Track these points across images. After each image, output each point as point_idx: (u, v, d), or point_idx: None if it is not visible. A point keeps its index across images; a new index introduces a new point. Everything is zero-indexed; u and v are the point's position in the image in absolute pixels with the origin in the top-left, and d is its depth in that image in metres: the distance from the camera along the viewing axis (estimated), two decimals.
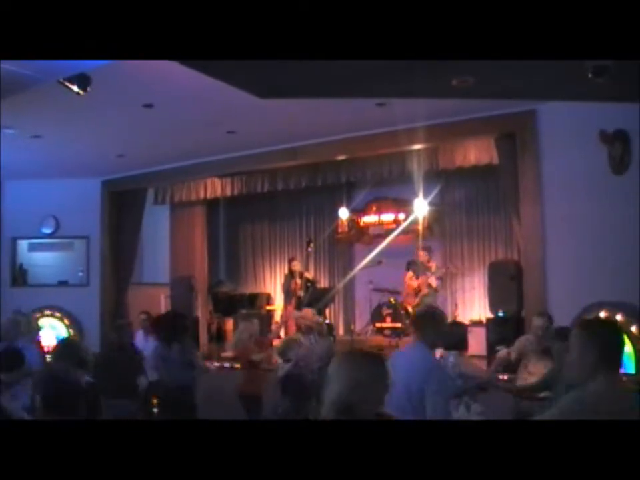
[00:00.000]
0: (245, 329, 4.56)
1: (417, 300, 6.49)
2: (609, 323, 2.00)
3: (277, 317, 7.68)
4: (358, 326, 7.66)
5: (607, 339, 1.42)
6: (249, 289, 8.56)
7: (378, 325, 7.10)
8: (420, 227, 7.21)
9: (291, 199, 8.27)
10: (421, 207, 7.02)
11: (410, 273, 6.87)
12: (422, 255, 6.44)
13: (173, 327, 3.89)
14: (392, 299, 7.15)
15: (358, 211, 7.86)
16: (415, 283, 6.70)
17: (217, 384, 4.72)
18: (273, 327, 6.94)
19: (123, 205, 7.33)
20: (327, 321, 6.74)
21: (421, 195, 6.86)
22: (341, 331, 7.91)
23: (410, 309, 7.02)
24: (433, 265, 6.44)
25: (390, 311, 7.07)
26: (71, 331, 6.89)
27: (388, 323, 7.04)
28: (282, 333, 6.72)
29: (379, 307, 7.13)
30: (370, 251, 7.35)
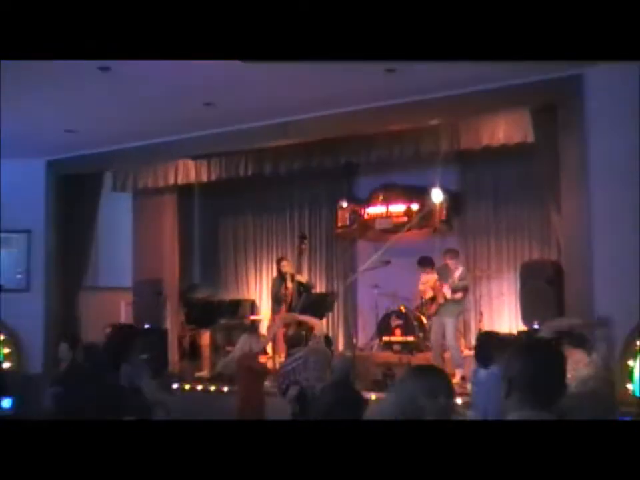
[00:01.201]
0: (246, 343, 4.56)
1: (434, 308, 6.37)
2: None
3: (264, 328, 7.61)
4: (361, 339, 7.68)
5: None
6: (230, 295, 8.57)
7: (386, 338, 7.11)
8: (437, 221, 7.22)
9: (281, 185, 8.28)
10: (438, 196, 7.01)
11: (426, 276, 6.84)
12: (450, 262, 6.28)
13: (119, 344, 3.79)
14: (402, 307, 7.20)
15: (361, 201, 7.85)
16: (430, 289, 6.63)
17: (192, 409, 4.75)
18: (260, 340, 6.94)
19: (73, 192, 7.20)
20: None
21: (437, 181, 6.88)
22: (340, 345, 7.93)
23: (425, 320, 7.14)
24: (457, 271, 6.28)
25: (400, 321, 7.09)
26: (4, 349, 6.56)
27: (398, 336, 7.06)
28: (269, 349, 6.64)
29: (387, 316, 7.16)
30: (376, 249, 7.30)
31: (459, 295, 6.18)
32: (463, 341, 6.97)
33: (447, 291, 6.17)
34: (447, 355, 6.23)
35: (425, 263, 6.84)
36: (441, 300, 6.21)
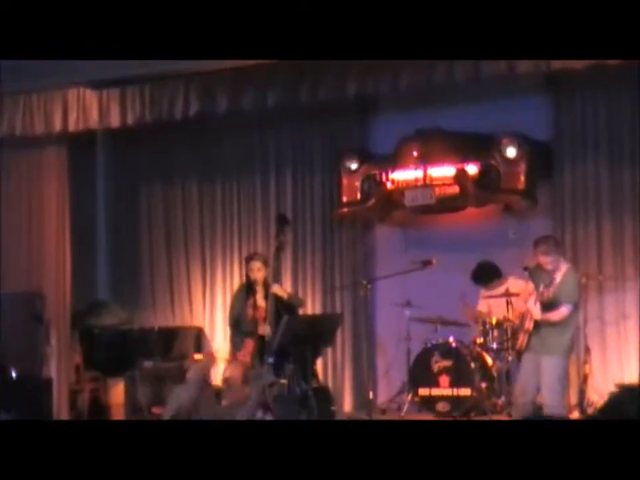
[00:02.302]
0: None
1: (520, 339, 6.08)
2: None
3: (217, 377, 7.54)
4: (383, 393, 7.87)
5: None
6: (159, 321, 8.66)
7: (424, 391, 7.16)
8: (510, 192, 7.32)
9: (246, 133, 8.47)
10: (513, 151, 7.08)
11: (492, 289, 7.09)
12: (545, 259, 5.94)
13: None
14: (452, 340, 7.22)
15: (383, 159, 7.85)
16: (518, 309, 6.37)
17: None
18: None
19: None
20: (319, 384, 6.57)
21: (512, 125, 7.08)
22: (347, 403, 8.03)
23: (490, 361, 7.17)
24: (558, 273, 5.95)
25: (448, 362, 7.14)
26: None
27: (444, 388, 7.11)
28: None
29: (426, 354, 7.20)
30: (407, 241, 7.61)
31: (562, 314, 5.89)
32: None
33: (533, 308, 5.88)
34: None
35: (484, 276, 7.08)
36: (528, 324, 5.96)
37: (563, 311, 5.86)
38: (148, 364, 7.72)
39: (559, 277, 5.91)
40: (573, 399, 7.02)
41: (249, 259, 6.76)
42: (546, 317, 5.86)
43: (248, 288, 6.60)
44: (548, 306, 5.87)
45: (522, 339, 6.02)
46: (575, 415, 6.70)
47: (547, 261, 5.90)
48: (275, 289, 6.40)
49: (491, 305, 7.20)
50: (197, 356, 8.12)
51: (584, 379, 6.87)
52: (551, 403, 5.80)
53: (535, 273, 6.01)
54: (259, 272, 6.53)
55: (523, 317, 6.08)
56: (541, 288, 5.82)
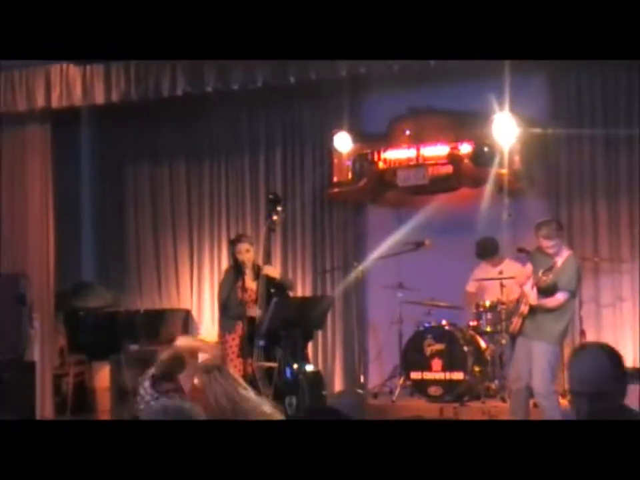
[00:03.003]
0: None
1: (514, 322, 6.12)
2: None
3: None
4: (374, 376, 7.90)
5: None
6: (145, 303, 8.70)
7: (416, 374, 7.20)
8: (506, 172, 7.25)
9: (235, 111, 8.47)
10: (508, 128, 7.04)
11: (486, 269, 7.12)
12: (547, 242, 5.90)
13: None
14: (445, 323, 7.27)
15: (375, 138, 7.89)
16: (512, 292, 6.53)
17: None
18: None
19: None
20: (310, 367, 6.56)
21: (506, 102, 6.96)
22: (338, 386, 8.04)
23: (483, 344, 7.18)
24: (559, 258, 5.91)
25: (441, 346, 7.17)
26: None
27: (437, 372, 7.14)
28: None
29: (419, 337, 7.22)
30: (400, 222, 7.53)
31: (558, 301, 5.88)
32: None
33: (530, 293, 5.87)
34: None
35: (489, 249, 7.02)
36: (524, 308, 5.96)
37: (559, 298, 5.81)
38: (134, 347, 7.74)
39: (559, 263, 5.82)
40: (567, 383, 6.89)
41: (236, 241, 6.69)
42: (542, 303, 5.81)
43: (236, 270, 6.53)
44: (545, 291, 5.82)
45: (516, 323, 6.01)
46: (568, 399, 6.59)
47: (548, 245, 5.82)
48: (266, 270, 6.39)
49: (484, 287, 7.25)
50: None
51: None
52: (541, 390, 5.82)
53: (534, 257, 5.96)
54: (247, 253, 6.49)
55: (518, 300, 6.12)
56: (540, 273, 5.73)
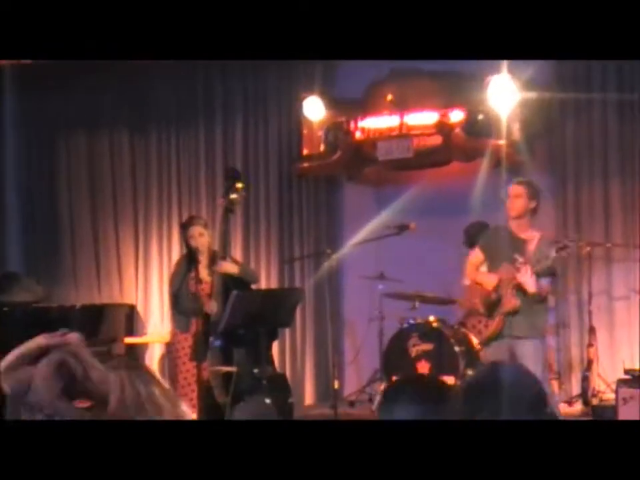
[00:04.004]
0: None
1: (496, 322, 5.99)
2: None
3: (154, 364, 7.81)
4: (350, 383, 8.00)
5: None
6: (82, 297, 8.72)
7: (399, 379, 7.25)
8: (502, 144, 7.27)
9: (188, 75, 8.44)
10: (505, 94, 7.07)
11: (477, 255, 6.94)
12: (517, 208, 5.86)
13: None
14: (434, 319, 7.25)
15: (349, 105, 7.92)
16: (491, 280, 6.28)
17: None
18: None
19: None
20: (275, 371, 6.61)
21: (504, 63, 6.97)
22: (309, 395, 8.17)
23: (476, 343, 7.05)
24: (534, 236, 5.96)
25: (428, 346, 7.18)
26: None
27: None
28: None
29: (402, 336, 7.23)
30: (380, 202, 7.63)
31: (547, 286, 5.92)
32: (556, 388, 7.16)
33: (527, 280, 5.70)
34: None
35: (475, 234, 6.82)
36: (512, 301, 5.80)
37: (545, 284, 5.79)
38: None
39: (532, 243, 5.80)
40: (575, 388, 7.07)
41: (187, 224, 6.67)
42: (539, 291, 5.73)
43: (189, 258, 6.50)
44: (544, 275, 5.77)
45: (497, 324, 5.88)
46: (577, 407, 6.82)
47: (524, 223, 5.79)
48: (223, 267, 6.31)
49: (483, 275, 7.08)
50: (129, 340, 8.17)
51: (588, 365, 6.90)
52: None
53: (492, 236, 6.00)
54: (200, 238, 6.43)
55: (499, 297, 5.92)
56: (518, 258, 5.67)
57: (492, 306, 5.96)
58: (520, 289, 5.72)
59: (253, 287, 6.77)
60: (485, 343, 6.13)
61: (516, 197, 5.79)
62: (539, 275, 5.70)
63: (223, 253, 6.36)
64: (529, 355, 5.72)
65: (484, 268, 6.16)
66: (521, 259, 5.70)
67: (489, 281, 5.98)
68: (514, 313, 5.77)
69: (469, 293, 7.03)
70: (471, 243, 7.03)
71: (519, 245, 5.80)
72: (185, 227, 6.67)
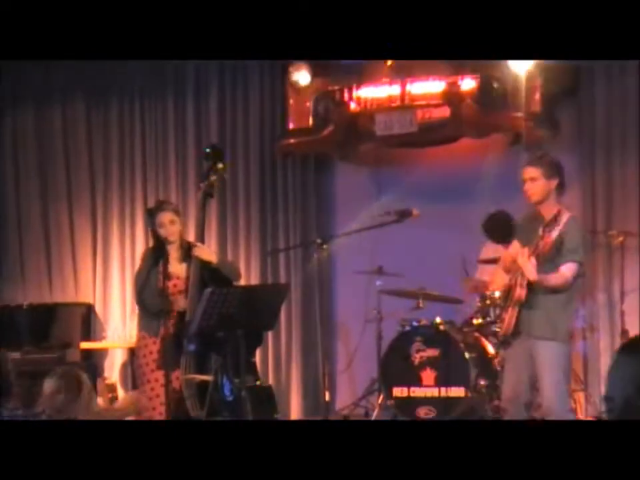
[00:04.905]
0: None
1: (509, 314, 5.88)
2: None
3: (115, 373, 7.86)
4: (343, 395, 8.13)
5: None
6: (31, 296, 8.86)
7: (399, 391, 7.24)
8: (522, 116, 7.30)
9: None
10: (524, 60, 7.02)
11: (494, 248, 7.03)
12: (536, 193, 5.80)
13: None
14: (439, 321, 7.31)
15: (343, 71, 7.92)
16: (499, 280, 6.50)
17: None
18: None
19: None
20: (257, 381, 6.42)
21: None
22: (295, 409, 8.28)
23: (490, 348, 7.15)
24: (564, 215, 5.81)
25: (434, 351, 7.21)
26: None
27: (428, 387, 7.19)
28: None
29: (403, 340, 7.31)
30: (379, 183, 7.63)
31: (565, 276, 5.76)
32: (582, 401, 7.26)
33: (527, 265, 5.63)
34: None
35: (497, 228, 6.81)
36: (520, 292, 5.76)
37: (566, 272, 5.62)
38: (15, 355, 7.82)
39: (559, 225, 5.66)
40: (593, 406, 7.06)
41: (156, 209, 6.51)
42: (545, 279, 5.61)
43: (157, 250, 6.42)
44: (549, 260, 5.64)
45: (510, 319, 5.77)
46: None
47: (548, 208, 5.67)
48: (199, 250, 6.23)
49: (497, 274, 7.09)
50: (85, 344, 8.15)
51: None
52: (555, 406, 5.67)
53: (522, 228, 5.91)
54: (171, 226, 6.30)
55: (510, 288, 5.86)
56: (540, 231, 5.58)
57: (506, 295, 5.90)
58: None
59: (234, 283, 6.61)
60: (503, 340, 5.98)
61: (532, 180, 5.71)
62: (542, 257, 5.57)
63: (199, 238, 6.33)
64: (548, 359, 5.65)
65: None
66: (546, 234, 5.59)
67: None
68: (522, 305, 5.65)
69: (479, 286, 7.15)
70: (492, 237, 6.98)
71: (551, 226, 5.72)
72: (152, 214, 6.53)
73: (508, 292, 5.91)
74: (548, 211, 5.71)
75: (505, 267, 6.08)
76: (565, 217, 5.72)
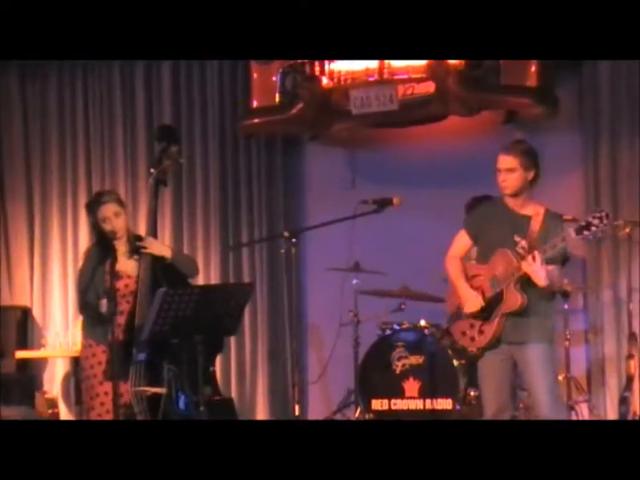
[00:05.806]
0: None
1: (495, 324, 5.91)
2: None
3: (56, 385, 7.91)
4: (316, 408, 8.24)
5: None
6: None
7: (379, 403, 7.37)
8: (514, 93, 7.36)
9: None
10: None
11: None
12: (511, 185, 5.86)
13: None
14: (425, 324, 7.36)
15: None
16: (483, 271, 6.34)
17: None
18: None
19: None
20: (217, 394, 6.41)
21: None
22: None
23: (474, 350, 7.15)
24: (538, 211, 5.98)
25: (418, 358, 7.30)
26: None
27: (412, 399, 7.26)
28: None
29: (383, 346, 7.39)
30: (354, 167, 7.73)
31: (560, 277, 5.99)
32: (585, 411, 7.30)
33: (536, 270, 5.69)
34: None
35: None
36: (516, 297, 5.81)
37: (557, 274, 5.80)
38: None
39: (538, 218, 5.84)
40: (611, 412, 7.08)
41: (96, 202, 6.50)
42: (552, 283, 5.72)
43: (101, 246, 6.41)
44: (555, 263, 5.78)
45: (496, 328, 5.81)
46: None
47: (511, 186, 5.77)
48: (151, 244, 6.21)
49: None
50: (22, 352, 8.11)
51: (627, 382, 6.84)
52: (550, 404, 5.73)
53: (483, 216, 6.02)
54: (116, 219, 6.31)
55: (493, 298, 5.91)
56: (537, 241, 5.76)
57: (489, 305, 5.87)
58: (527, 282, 5.69)
59: (190, 281, 6.64)
60: (480, 354, 6.00)
61: (508, 170, 5.78)
62: (548, 263, 5.73)
63: (151, 230, 6.29)
64: (541, 362, 5.74)
65: (473, 256, 6.26)
66: (523, 242, 5.72)
67: (481, 273, 5.98)
68: (518, 312, 5.74)
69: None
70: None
71: (519, 223, 5.81)
72: (92, 207, 6.49)
73: (492, 305, 5.88)
74: (518, 204, 5.78)
75: (451, 263, 6.14)
76: (542, 214, 5.84)
